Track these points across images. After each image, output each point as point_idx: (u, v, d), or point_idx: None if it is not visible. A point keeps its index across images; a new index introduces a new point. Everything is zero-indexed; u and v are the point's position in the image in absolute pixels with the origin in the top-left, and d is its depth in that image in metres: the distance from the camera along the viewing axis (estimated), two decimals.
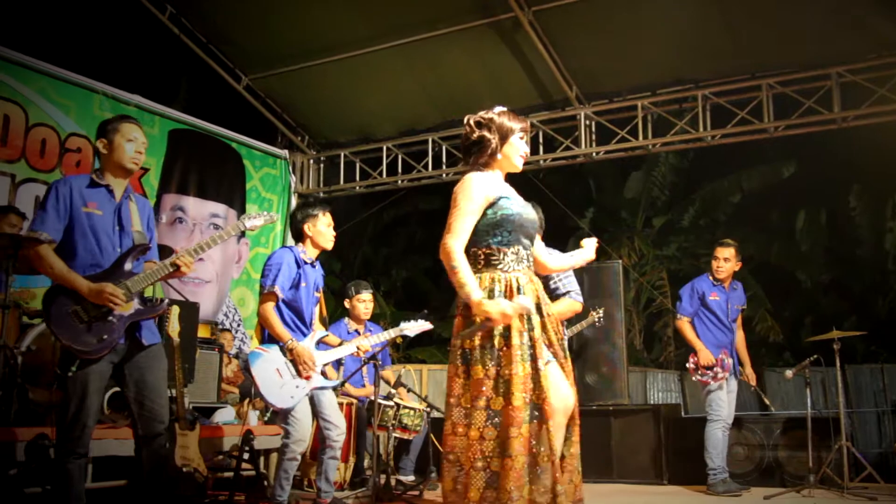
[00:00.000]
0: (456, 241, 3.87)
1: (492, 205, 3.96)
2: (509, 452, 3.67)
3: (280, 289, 5.77)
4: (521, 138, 4.13)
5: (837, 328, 7.75)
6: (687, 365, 7.82)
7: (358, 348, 6.43)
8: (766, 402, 8.94)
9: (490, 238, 3.96)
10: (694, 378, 7.78)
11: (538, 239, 4.31)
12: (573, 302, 6.47)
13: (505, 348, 3.80)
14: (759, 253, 19.24)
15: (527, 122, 4.19)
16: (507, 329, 3.80)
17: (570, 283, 6.50)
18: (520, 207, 4.03)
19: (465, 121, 4.15)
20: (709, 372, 7.65)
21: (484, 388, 3.76)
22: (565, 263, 4.70)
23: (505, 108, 4.15)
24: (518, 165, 4.17)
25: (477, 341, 3.83)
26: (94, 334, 4.39)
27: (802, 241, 20.85)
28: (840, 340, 7.63)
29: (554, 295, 6.37)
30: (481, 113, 4.12)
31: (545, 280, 6.26)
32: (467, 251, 3.97)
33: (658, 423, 9.15)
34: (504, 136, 4.07)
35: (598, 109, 9.97)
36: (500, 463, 3.67)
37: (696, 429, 8.18)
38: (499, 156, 4.08)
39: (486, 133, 4.05)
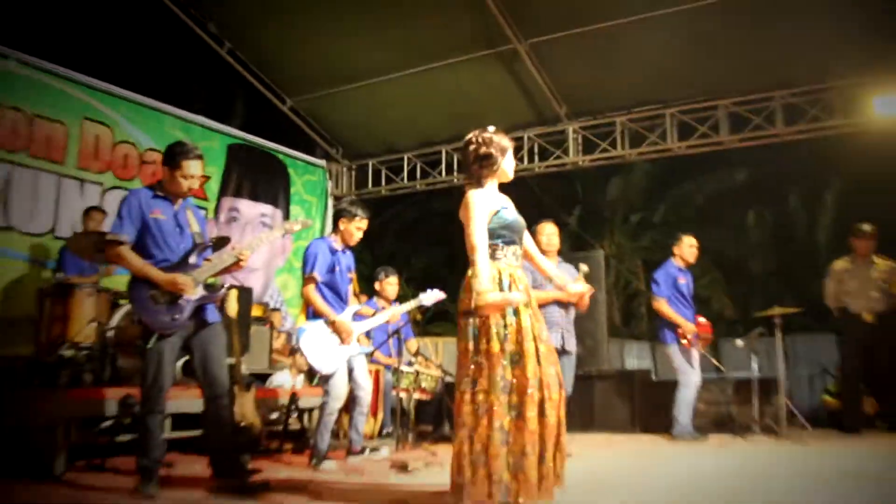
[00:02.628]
0: (482, 253, 3.85)
1: (495, 214, 3.97)
2: (523, 416, 3.70)
3: (318, 273, 5.85)
4: (511, 155, 4.15)
5: (779, 306, 7.78)
6: (669, 340, 7.76)
7: (390, 317, 6.54)
8: (716, 364, 8.93)
9: (496, 239, 3.96)
10: (683, 342, 7.67)
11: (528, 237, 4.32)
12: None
13: (515, 327, 3.82)
14: (716, 244, 19.21)
15: (513, 142, 4.22)
16: (517, 311, 3.83)
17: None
18: (514, 214, 4.06)
19: (474, 136, 4.09)
20: (695, 338, 7.66)
21: (499, 362, 3.76)
22: (553, 274, 4.59)
23: (495, 128, 4.13)
24: (510, 176, 4.16)
25: (491, 321, 3.81)
26: (168, 314, 4.49)
27: (752, 234, 20.95)
28: (781, 316, 7.67)
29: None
30: (479, 132, 4.09)
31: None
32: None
33: (632, 385, 9.24)
34: (502, 152, 4.08)
35: (583, 125, 9.98)
36: (514, 424, 3.70)
37: (664, 389, 8.25)
38: (498, 169, 4.10)
39: (492, 150, 4.03)
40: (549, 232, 6.56)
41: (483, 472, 3.68)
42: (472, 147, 4.09)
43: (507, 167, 4.12)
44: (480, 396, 3.75)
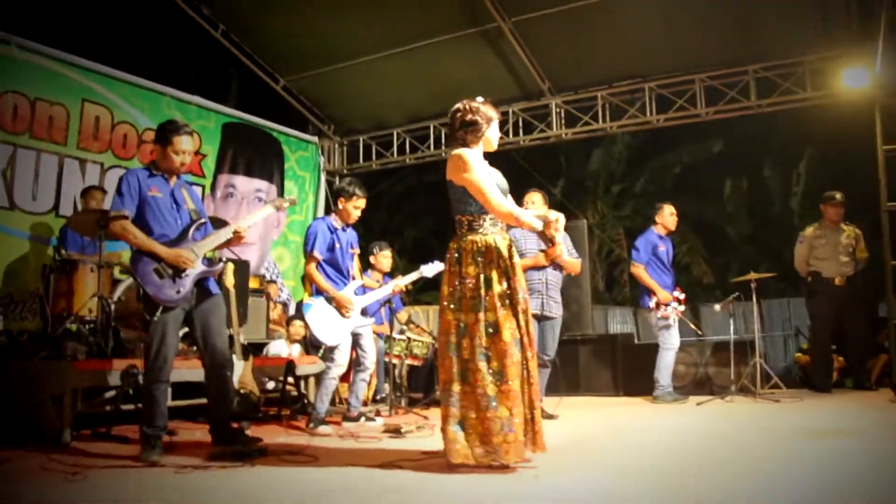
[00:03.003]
0: (499, 200, 3.92)
1: None
2: (506, 379, 3.75)
3: (318, 252, 5.89)
4: (496, 126, 4.16)
5: (755, 272, 7.84)
6: (649, 304, 7.76)
7: (395, 287, 6.61)
8: (693, 327, 9.00)
9: (471, 206, 3.97)
10: (658, 314, 7.69)
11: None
12: (572, 261, 6.60)
13: (489, 297, 3.84)
14: (695, 212, 19.28)
15: (499, 114, 4.23)
16: (489, 281, 3.86)
17: (570, 244, 6.55)
18: (498, 180, 4.06)
19: (462, 105, 4.10)
20: (668, 307, 7.67)
21: (477, 330, 3.80)
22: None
23: (484, 100, 4.14)
24: (494, 146, 4.18)
25: (468, 293, 3.87)
26: (173, 288, 4.51)
27: (729, 203, 21.00)
28: (756, 281, 7.73)
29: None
30: (468, 101, 4.10)
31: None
32: (455, 217, 4.04)
33: (615, 349, 9.30)
34: (488, 122, 4.09)
35: (566, 99, 9.98)
36: (499, 389, 3.73)
37: (646, 353, 8.31)
38: (483, 137, 4.11)
39: (478, 118, 4.05)
40: (536, 200, 6.55)
41: (472, 434, 3.73)
42: (458, 114, 4.10)
43: (492, 136, 4.13)
44: (464, 364, 3.80)
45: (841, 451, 4.25)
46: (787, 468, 3.76)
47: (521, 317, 3.88)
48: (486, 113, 4.09)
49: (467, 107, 4.08)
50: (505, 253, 3.95)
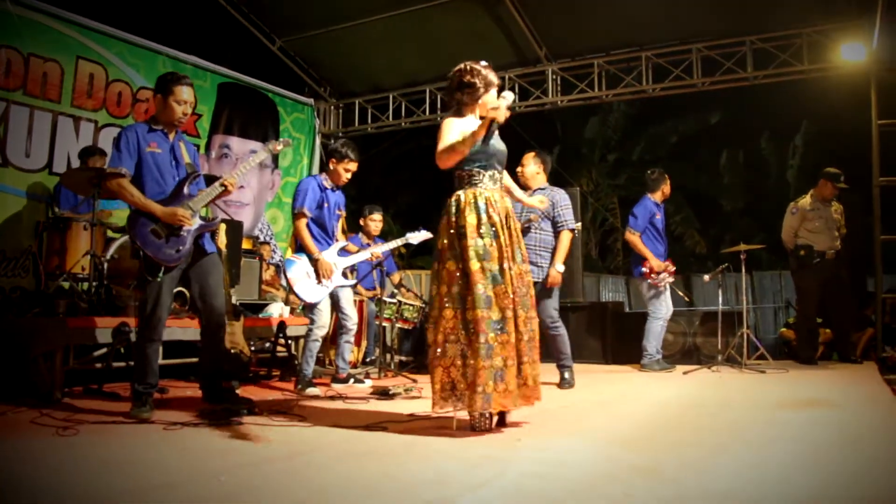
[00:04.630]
0: (443, 145, 3.92)
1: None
2: (505, 329, 3.81)
3: (308, 209, 5.90)
4: (495, 93, 4.13)
5: (747, 244, 7.87)
6: (643, 270, 7.74)
7: (372, 255, 6.59)
8: (681, 294, 9.05)
9: (472, 164, 4.00)
10: (649, 281, 7.69)
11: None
12: (565, 232, 6.35)
13: (496, 247, 3.88)
14: (690, 183, 19.32)
15: (500, 80, 4.24)
16: (496, 233, 3.90)
17: (567, 215, 6.37)
18: (494, 140, 4.03)
19: (464, 65, 4.11)
20: (660, 275, 7.69)
21: (480, 279, 3.82)
22: (524, 198, 4.82)
23: (488, 63, 4.16)
24: (498, 117, 4.01)
25: (446, 243, 3.93)
26: (172, 246, 4.51)
27: (724, 174, 21.02)
28: (746, 252, 7.76)
29: (557, 227, 6.35)
30: (471, 63, 4.11)
31: (554, 216, 6.35)
32: (455, 173, 4.06)
33: (605, 317, 9.35)
34: (487, 86, 4.11)
35: (562, 66, 9.96)
36: (497, 339, 3.78)
37: (635, 321, 8.38)
38: (480, 101, 4.12)
39: (476, 80, 4.07)
40: (526, 161, 6.47)
41: (469, 383, 3.77)
42: (458, 73, 4.12)
43: (488, 101, 4.10)
44: (468, 314, 3.82)
45: (820, 421, 4.32)
46: (768, 437, 3.83)
47: (514, 277, 3.92)
48: (487, 77, 4.10)
49: (468, 67, 4.10)
50: (502, 209, 4.01)
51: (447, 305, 3.88)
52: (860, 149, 8.61)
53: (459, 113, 4.14)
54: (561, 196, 6.44)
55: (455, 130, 3.97)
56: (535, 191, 6.33)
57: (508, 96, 3.88)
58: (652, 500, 2.58)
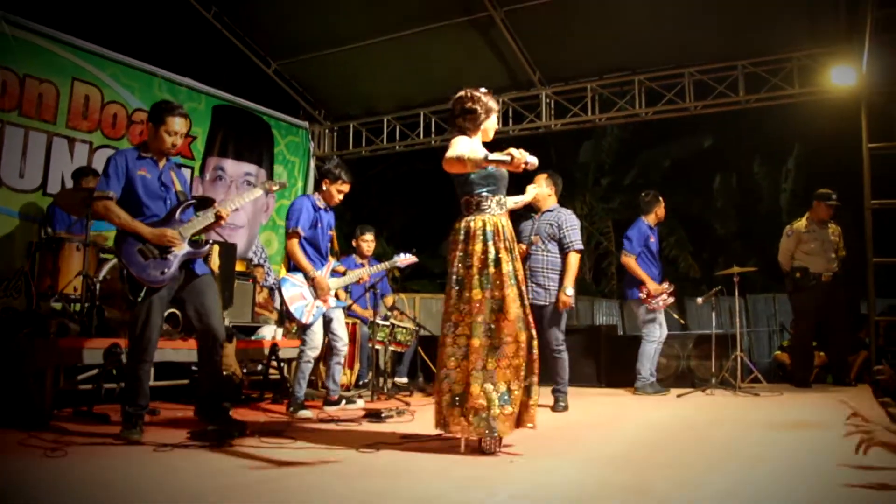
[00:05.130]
0: (454, 153, 3.88)
1: None
2: (505, 355, 3.85)
3: (302, 228, 5.91)
4: (496, 118, 4.27)
5: (741, 267, 7.89)
6: (638, 295, 7.75)
7: (360, 278, 6.59)
8: (676, 316, 9.06)
9: (481, 188, 4.08)
10: (649, 306, 7.69)
11: None
12: (572, 253, 6.34)
13: (497, 274, 3.94)
14: (683, 207, 19.35)
15: (499, 105, 4.32)
16: (498, 259, 3.96)
17: (573, 236, 6.37)
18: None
19: (464, 92, 4.20)
20: (658, 299, 7.70)
21: (480, 307, 3.89)
22: (511, 204, 4.76)
23: (487, 90, 4.24)
24: (491, 137, 4.31)
25: (474, 270, 3.95)
26: (158, 268, 4.51)
27: (718, 198, 21.10)
28: (739, 275, 7.77)
29: (564, 249, 6.37)
30: (471, 89, 4.20)
31: (561, 238, 6.37)
32: (462, 199, 4.14)
33: (599, 340, 9.34)
34: (487, 112, 4.19)
35: (556, 90, 9.99)
36: (495, 363, 3.83)
37: (629, 345, 8.37)
38: (481, 127, 4.21)
39: (477, 106, 4.16)
40: (539, 181, 6.41)
41: (466, 407, 3.82)
42: (459, 100, 4.21)
43: (489, 127, 4.25)
44: (462, 340, 3.89)
45: (811, 441, 4.32)
46: (759, 456, 3.82)
47: (525, 297, 4.01)
48: (487, 103, 4.20)
49: (469, 94, 4.19)
50: (509, 235, 4.09)
51: (452, 332, 3.95)
52: (852, 172, 8.64)
53: (464, 135, 4.18)
54: (568, 217, 6.47)
55: (467, 144, 4.00)
56: (544, 212, 6.53)
57: (532, 160, 3.88)
58: None
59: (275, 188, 5.28)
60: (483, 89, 4.22)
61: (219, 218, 4.78)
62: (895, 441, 2.75)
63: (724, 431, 4.93)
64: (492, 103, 4.21)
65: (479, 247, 3.98)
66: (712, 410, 6.20)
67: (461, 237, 4.06)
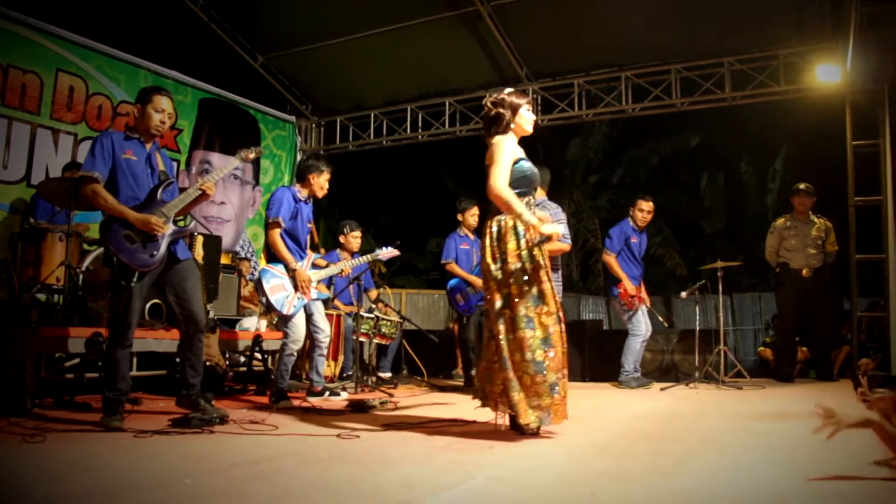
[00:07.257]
0: (502, 183, 4.05)
1: (515, 163, 4.17)
2: (552, 344, 3.97)
3: (283, 219, 5.88)
4: (528, 109, 4.35)
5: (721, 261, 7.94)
6: (617, 291, 7.89)
7: (342, 270, 6.59)
8: (661, 319, 9.11)
9: (514, 190, 4.12)
10: (623, 302, 7.86)
11: None
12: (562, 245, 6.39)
13: (533, 269, 4.03)
14: (670, 205, 19.38)
15: (530, 97, 4.39)
16: (532, 255, 4.06)
17: (561, 229, 6.39)
18: (532, 166, 4.25)
19: (484, 102, 4.38)
20: (633, 298, 7.80)
21: (523, 301, 3.99)
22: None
23: (513, 89, 4.37)
24: (529, 130, 4.39)
25: (510, 267, 4.03)
26: (147, 251, 4.50)
27: (705, 196, 21.18)
28: (724, 270, 7.82)
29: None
30: (495, 94, 4.34)
31: None
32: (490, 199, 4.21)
33: (583, 335, 9.35)
34: (514, 110, 4.28)
35: (543, 86, 10.01)
36: (544, 354, 3.94)
37: (614, 340, 8.40)
38: (512, 125, 4.29)
39: (500, 110, 4.27)
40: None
41: (521, 396, 3.95)
42: (484, 112, 4.37)
43: (522, 122, 4.34)
44: (511, 335, 3.98)
45: (792, 430, 4.33)
46: (740, 444, 3.84)
47: (554, 293, 4.11)
48: (511, 102, 4.30)
49: (490, 102, 4.33)
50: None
51: (497, 329, 4.02)
52: (837, 170, 8.68)
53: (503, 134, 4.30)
54: (554, 211, 6.47)
55: (507, 153, 4.14)
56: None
57: (548, 229, 3.96)
58: (618, 500, 2.58)
59: (251, 156, 5.23)
60: (508, 90, 4.36)
61: (202, 193, 4.76)
62: (859, 422, 2.79)
63: (706, 422, 4.95)
64: (515, 100, 4.30)
65: (511, 245, 4.07)
66: (695, 403, 6.22)
67: (494, 235, 4.14)
